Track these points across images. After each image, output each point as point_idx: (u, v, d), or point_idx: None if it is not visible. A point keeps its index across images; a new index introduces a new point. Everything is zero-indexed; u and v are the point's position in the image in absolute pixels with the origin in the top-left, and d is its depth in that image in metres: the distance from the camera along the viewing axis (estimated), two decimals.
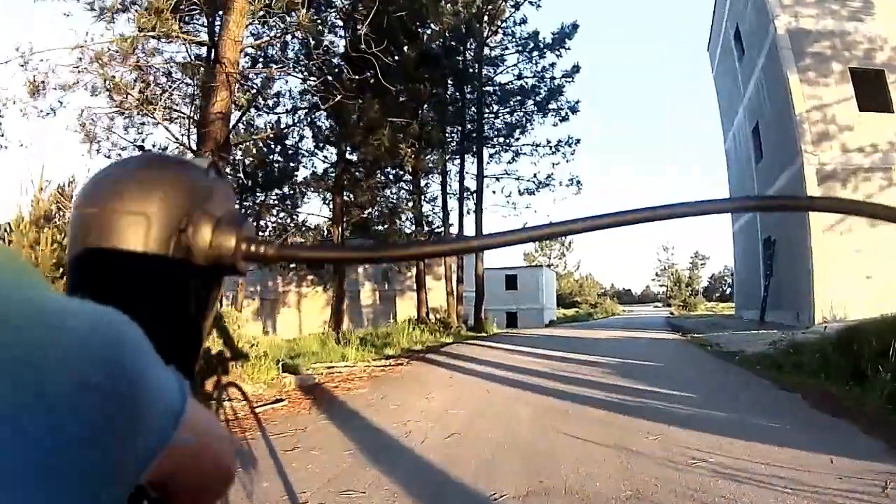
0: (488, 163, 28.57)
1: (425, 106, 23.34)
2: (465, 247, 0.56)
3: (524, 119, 28.12)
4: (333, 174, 21.52)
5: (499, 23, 27.21)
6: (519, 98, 27.78)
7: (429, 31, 22.02)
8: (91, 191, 0.53)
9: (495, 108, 28.35)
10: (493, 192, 37.95)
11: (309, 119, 20.93)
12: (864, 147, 17.66)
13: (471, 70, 26.51)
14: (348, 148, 20.85)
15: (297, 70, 17.84)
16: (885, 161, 17.51)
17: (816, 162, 17.62)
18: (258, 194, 21.71)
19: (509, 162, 28.81)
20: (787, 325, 18.19)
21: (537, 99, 27.65)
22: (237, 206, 0.60)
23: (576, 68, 27.45)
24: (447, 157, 26.11)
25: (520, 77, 27.95)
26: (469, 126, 27.02)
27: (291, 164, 22.37)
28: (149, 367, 0.38)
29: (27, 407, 0.30)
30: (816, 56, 18.54)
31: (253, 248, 0.54)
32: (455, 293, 26.65)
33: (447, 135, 26.17)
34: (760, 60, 21.56)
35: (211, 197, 0.55)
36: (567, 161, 30.36)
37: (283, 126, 20.69)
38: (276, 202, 22.60)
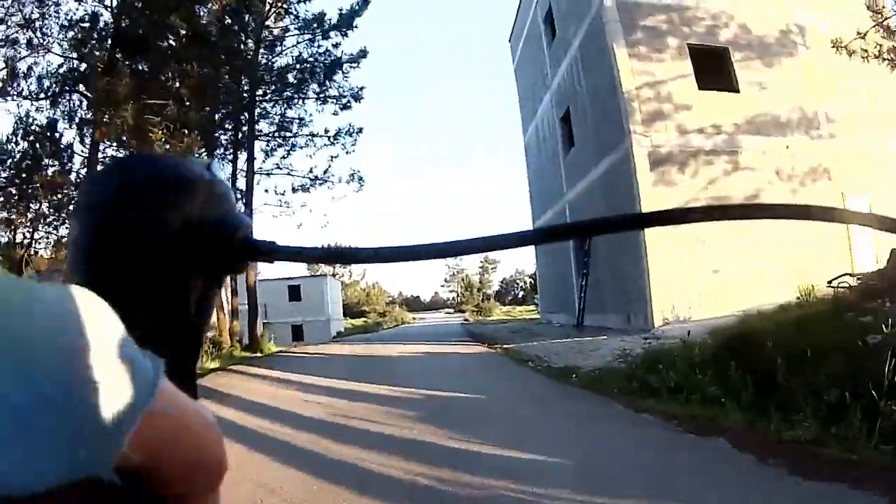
0: (264, 160, 24.18)
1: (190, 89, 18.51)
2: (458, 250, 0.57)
3: (300, 100, 24.07)
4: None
5: (281, 2, 22.90)
6: (297, 82, 23.77)
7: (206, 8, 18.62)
8: (91, 190, 0.54)
9: (271, 96, 24.01)
10: (266, 190, 31.96)
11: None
12: (704, 128, 15.96)
13: (245, 52, 21.91)
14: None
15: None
16: (731, 144, 15.92)
17: (648, 143, 15.58)
18: None
19: (284, 157, 24.44)
20: (615, 330, 15.99)
21: (316, 82, 23.83)
22: (235, 206, 0.60)
23: (362, 53, 23.90)
24: (216, 151, 21.37)
25: (300, 62, 23.90)
26: (241, 116, 22.40)
27: None
28: (121, 340, 0.39)
29: (4, 375, 0.32)
30: (650, 31, 16.57)
31: (252, 248, 0.55)
32: (229, 307, 21.85)
33: (216, 124, 21.34)
34: (577, 40, 19.46)
35: (210, 196, 0.55)
36: (347, 153, 26.75)
37: None
38: None
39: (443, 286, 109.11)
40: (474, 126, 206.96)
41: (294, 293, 43.69)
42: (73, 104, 17.29)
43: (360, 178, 24.29)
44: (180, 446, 0.46)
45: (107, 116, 14.91)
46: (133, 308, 0.42)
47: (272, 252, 0.56)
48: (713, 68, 16.44)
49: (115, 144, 16.78)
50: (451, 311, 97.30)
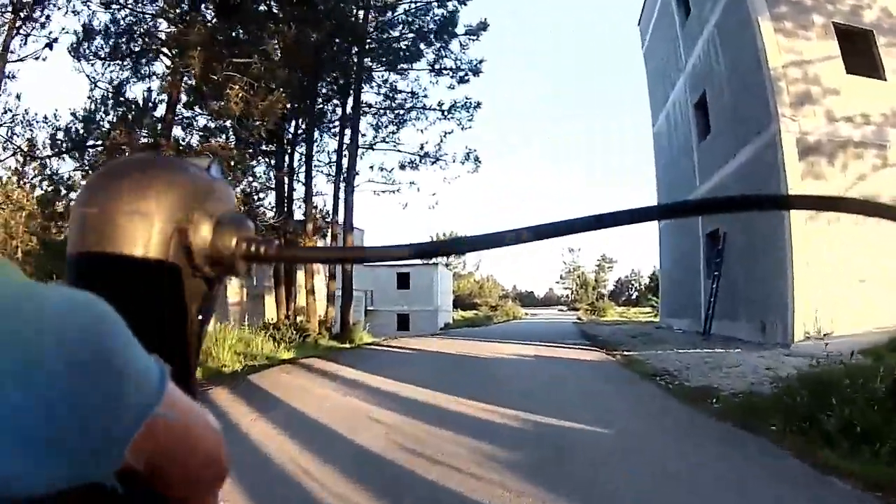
0: (374, 137, 23.34)
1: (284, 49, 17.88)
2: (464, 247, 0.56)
3: (411, 70, 22.90)
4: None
5: None
6: (408, 51, 22.52)
7: None
8: (92, 190, 0.54)
9: (380, 65, 23.00)
10: (371, 167, 27.63)
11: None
12: (853, 116, 13.71)
13: (351, 16, 20.79)
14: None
15: None
16: (880, 136, 13.61)
17: (797, 129, 13.48)
18: None
19: (393, 131, 23.47)
20: (746, 341, 14.04)
21: (431, 50, 22.58)
22: (236, 206, 0.60)
23: (483, 25, 22.56)
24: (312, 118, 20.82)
25: (412, 28, 22.63)
26: (347, 87, 21.72)
27: None
28: (127, 346, 0.39)
29: (9, 379, 0.32)
30: (794, 5, 14.47)
31: (252, 248, 0.55)
32: (326, 292, 21.38)
33: (317, 93, 20.70)
34: (714, 16, 17.47)
35: (211, 197, 0.55)
36: (463, 129, 23.57)
37: None
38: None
39: (558, 283, 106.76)
40: (598, 115, 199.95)
41: (403, 281, 42.92)
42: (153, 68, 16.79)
43: (477, 158, 23.04)
44: (182, 451, 0.46)
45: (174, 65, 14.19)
46: (134, 306, 0.43)
47: (272, 253, 0.56)
48: (858, 52, 14.15)
49: (192, 104, 16.14)
50: (565, 308, 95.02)
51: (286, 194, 20.63)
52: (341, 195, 21.09)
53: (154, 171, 0.54)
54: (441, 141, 23.16)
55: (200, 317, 0.57)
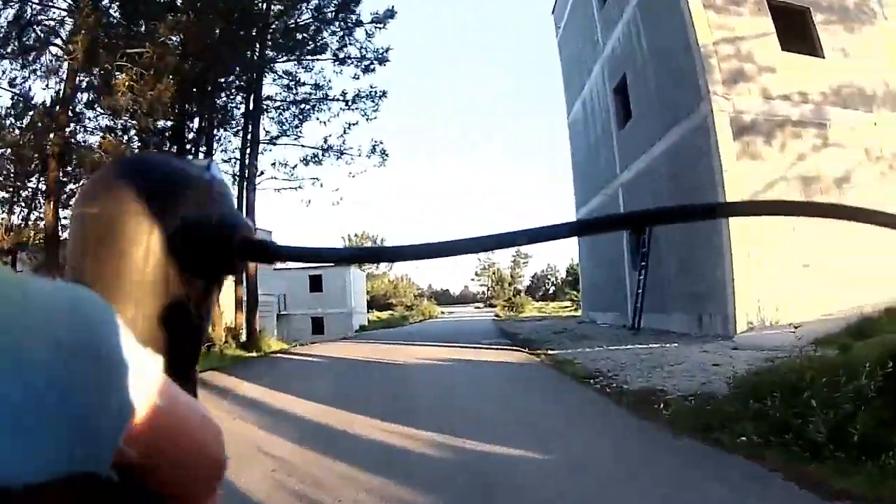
0: (269, 133, 21.38)
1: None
2: (467, 248, 0.55)
3: (313, 61, 21.27)
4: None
5: None
6: (311, 39, 20.89)
7: None
8: (91, 191, 0.54)
9: (281, 54, 21.14)
10: (273, 163, 24.52)
11: None
12: (790, 95, 13.12)
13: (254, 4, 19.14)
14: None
15: None
16: (819, 115, 13.08)
17: (730, 108, 12.75)
18: None
19: (296, 125, 21.51)
20: (681, 334, 13.26)
21: (335, 38, 21.04)
22: (234, 206, 0.59)
23: (390, 13, 21.00)
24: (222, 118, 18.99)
25: (316, 14, 20.91)
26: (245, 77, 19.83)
27: None
28: (117, 333, 0.39)
29: (1, 368, 0.32)
30: None
31: (252, 248, 0.55)
32: (234, 298, 19.44)
33: (214, 84, 18.75)
34: None
35: (210, 196, 0.55)
36: (368, 120, 21.68)
37: None
38: None
39: (473, 280, 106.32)
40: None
41: (315, 283, 41.08)
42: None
43: (384, 152, 21.48)
44: (177, 443, 0.45)
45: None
46: (132, 308, 0.45)
47: (271, 253, 0.56)
48: (794, 29, 13.67)
49: (91, 103, 14.33)
50: (481, 305, 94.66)
51: None
52: (244, 195, 19.18)
53: (154, 171, 0.54)
54: (344, 133, 21.42)
55: (200, 317, 0.56)
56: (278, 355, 17.21)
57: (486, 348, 15.27)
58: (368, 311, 55.15)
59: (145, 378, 0.40)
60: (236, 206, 0.60)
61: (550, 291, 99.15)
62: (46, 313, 0.35)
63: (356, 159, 21.60)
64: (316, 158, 20.99)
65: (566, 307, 55.67)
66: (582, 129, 24.15)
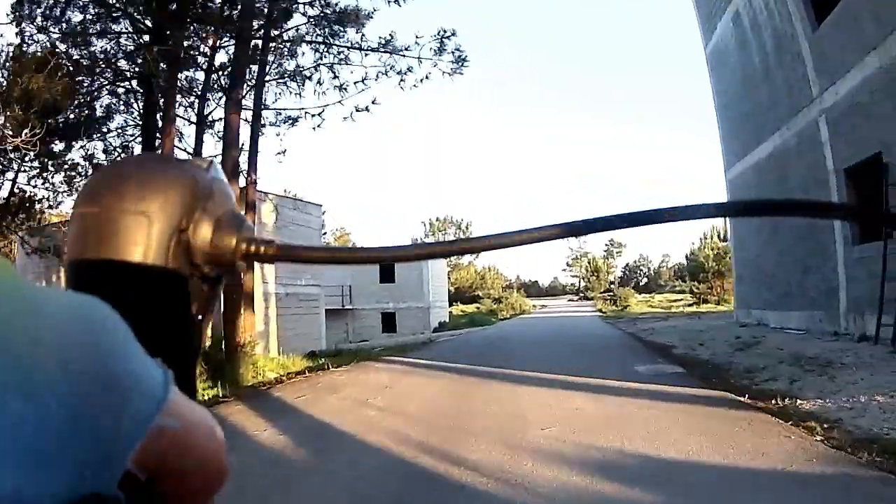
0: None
1: None
2: (476, 246, 0.55)
3: None
4: None
5: None
6: None
7: None
8: (91, 190, 0.53)
9: None
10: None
11: None
12: None
13: None
14: None
15: None
16: None
17: None
18: None
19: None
20: None
21: None
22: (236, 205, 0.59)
23: None
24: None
25: None
26: None
27: None
28: (129, 351, 0.38)
29: (9, 389, 0.31)
30: None
31: (253, 248, 0.54)
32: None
33: None
34: None
35: (211, 196, 0.54)
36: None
37: None
38: None
39: (564, 270, 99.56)
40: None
41: (386, 273, 34.98)
42: None
43: (462, 59, 14.38)
44: (183, 458, 0.45)
45: None
46: (134, 306, 0.43)
47: (273, 253, 0.54)
48: None
49: None
50: (574, 298, 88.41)
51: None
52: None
53: (154, 171, 0.53)
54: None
55: (200, 317, 0.55)
56: (270, 394, 10.00)
57: (661, 395, 7.58)
58: (451, 305, 49.35)
59: (156, 395, 0.38)
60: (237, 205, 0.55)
61: (643, 283, 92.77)
62: (58, 331, 0.33)
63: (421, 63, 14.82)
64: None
65: (678, 300, 48.10)
66: (735, 54, 17.19)
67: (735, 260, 19.88)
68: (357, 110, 14.63)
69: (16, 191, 14.11)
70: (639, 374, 9.65)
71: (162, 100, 12.37)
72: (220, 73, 14.59)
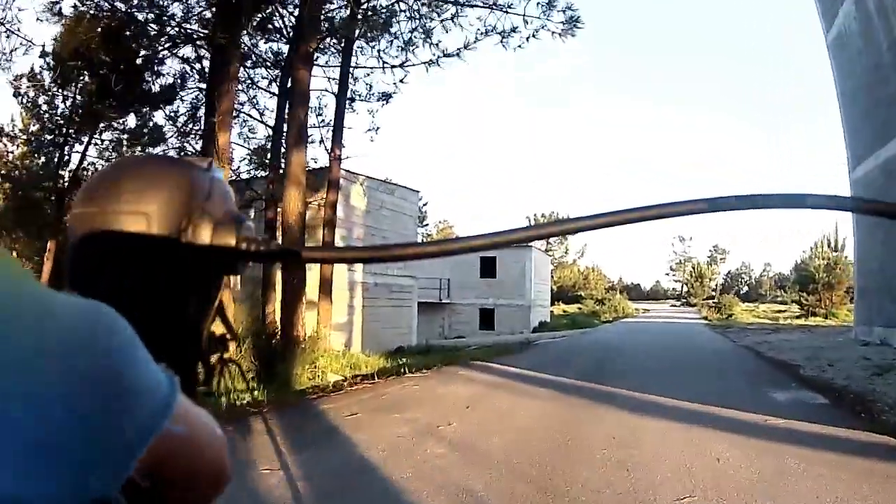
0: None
1: None
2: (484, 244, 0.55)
3: None
4: None
5: None
6: None
7: None
8: (92, 191, 0.53)
9: None
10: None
11: None
12: None
13: None
14: None
15: None
16: None
17: None
18: None
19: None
20: None
21: None
22: (235, 206, 0.59)
23: None
24: None
25: None
26: None
27: None
28: (136, 357, 0.38)
29: (14, 395, 0.31)
30: None
31: (252, 247, 0.54)
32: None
33: None
34: None
35: (210, 197, 0.55)
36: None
37: None
38: None
39: (667, 274, 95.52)
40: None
41: (487, 267, 33.93)
42: None
43: (572, 14, 12.31)
44: (187, 462, 0.45)
45: None
46: (134, 305, 0.42)
47: (273, 253, 0.55)
48: None
49: None
50: (677, 303, 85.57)
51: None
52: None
53: (154, 171, 0.53)
54: None
55: (200, 318, 0.56)
56: (321, 406, 7.99)
57: (819, 442, 5.90)
58: (553, 304, 47.39)
59: (162, 403, 0.38)
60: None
61: (743, 291, 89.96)
62: (64, 334, 0.33)
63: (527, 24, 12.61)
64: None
65: (782, 311, 45.19)
66: (860, 41, 15.60)
67: (857, 271, 17.66)
68: (445, 55, 13.03)
69: (85, 165, 13.64)
70: (777, 403, 8.05)
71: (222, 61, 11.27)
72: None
